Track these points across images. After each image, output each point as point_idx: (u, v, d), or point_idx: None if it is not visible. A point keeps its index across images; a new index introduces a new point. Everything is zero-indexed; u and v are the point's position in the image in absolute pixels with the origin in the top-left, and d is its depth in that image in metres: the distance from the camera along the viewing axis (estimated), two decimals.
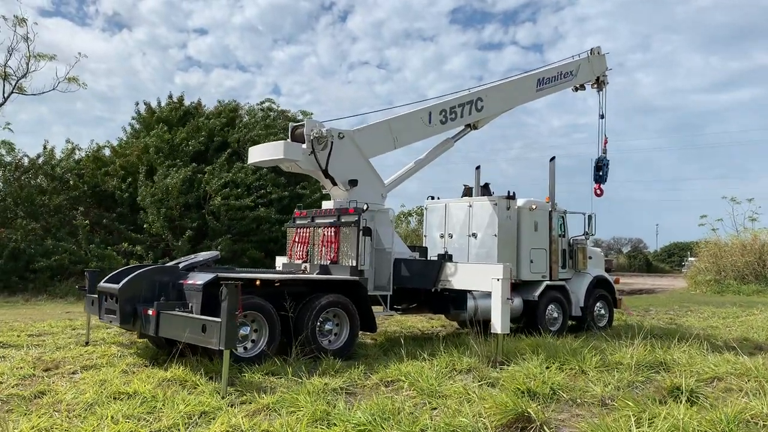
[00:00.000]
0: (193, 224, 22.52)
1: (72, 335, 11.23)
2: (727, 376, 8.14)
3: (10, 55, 23.55)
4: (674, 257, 77.15)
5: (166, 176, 22.40)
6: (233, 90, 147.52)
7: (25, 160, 23.33)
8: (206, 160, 24.79)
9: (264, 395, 6.63)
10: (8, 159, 22.96)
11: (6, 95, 24.04)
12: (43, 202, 22.50)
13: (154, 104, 27.07)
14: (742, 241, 33.02)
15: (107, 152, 26.28)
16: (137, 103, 27.42)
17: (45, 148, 23.99)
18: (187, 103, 27.31)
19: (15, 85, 24.17)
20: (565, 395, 6.97)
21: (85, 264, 19.50)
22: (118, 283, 8.55)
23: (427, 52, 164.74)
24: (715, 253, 33.52)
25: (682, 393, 7.03)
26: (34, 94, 24.89)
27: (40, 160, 23.53)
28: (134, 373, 7.94)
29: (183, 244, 21.43)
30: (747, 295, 28.87)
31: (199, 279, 8.38)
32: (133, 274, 8.57)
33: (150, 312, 8.12)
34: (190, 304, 8.30)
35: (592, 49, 15.58)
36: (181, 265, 9.01)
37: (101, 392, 6.70)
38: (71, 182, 23.68)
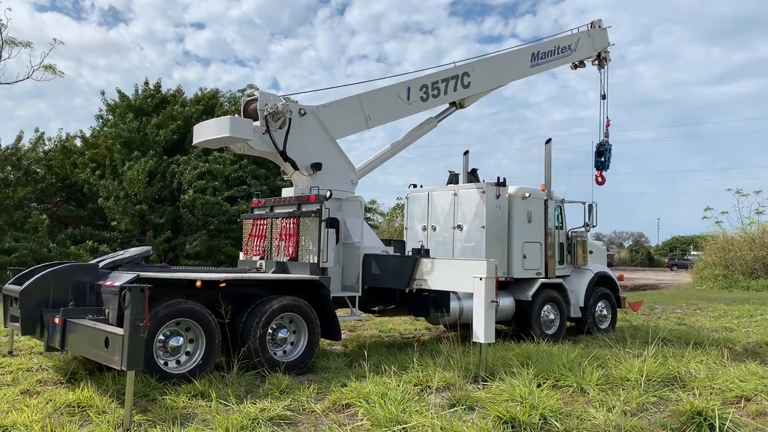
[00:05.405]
0: (161, 219, 20.98)
1: (0, 343, 9.82)
2: (757, 395, 6.73)
3: None
4: (676, 251, 76.54)
5: (129, 168, 20.80)
6: (232, 84, 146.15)
7: None
8: (182, 150, 23.23)
9: (174, 429, 5.20)
10: None
11: None
12: (8, 195, 21.02)
13: (131, 92, 25.38)
14: (750, 235, 31.58)
15: (78, 143, 24.76)
16: (103, 93, 25.61)
17: None
18: (164, 90, 25.65)
19: None
20: (558, 425, 5.53)
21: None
22: (22, 284, 7.10)
23: (427, 45, 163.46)
24: (722, 246, 32.09)
25: (704, 420, 5.69)
26: (8, 83, 23.47)
27: (8, 151, 22.04)
28: (37, 394, 6.53)
29: (153, 240, 19.93)
30: (757, 291, 27.60)
31: (117, 279, 6.93)
32: (40, 274, 7.11)
33: (56, 320, 6.69)
34: (106, 311, 6.87)
35: (592, 22, 14.18)
36: (101, 263, 7.56)
37: None
38: (40, 174, 22.23)
